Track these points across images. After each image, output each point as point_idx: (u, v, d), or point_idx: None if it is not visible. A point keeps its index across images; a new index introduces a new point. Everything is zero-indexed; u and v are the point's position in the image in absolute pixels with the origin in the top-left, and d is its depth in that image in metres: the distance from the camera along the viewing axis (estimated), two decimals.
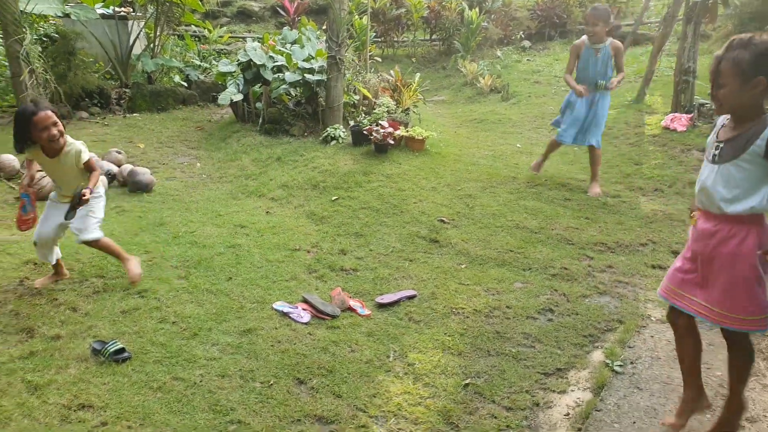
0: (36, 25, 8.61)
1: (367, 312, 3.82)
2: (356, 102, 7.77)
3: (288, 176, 6.28)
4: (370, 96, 7.72)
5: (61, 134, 3.61)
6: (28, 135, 3.55)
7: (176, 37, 12.08)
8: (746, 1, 9.51)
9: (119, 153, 6.73)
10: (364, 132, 6.68)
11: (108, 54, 9.40)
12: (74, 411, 2.76)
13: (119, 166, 6.30)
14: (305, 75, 7.44)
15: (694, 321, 2.59)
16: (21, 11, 6.53)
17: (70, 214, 3.71)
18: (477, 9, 13.18)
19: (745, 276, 2.33)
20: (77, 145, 3.72)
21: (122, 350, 3.17)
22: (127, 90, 9.49)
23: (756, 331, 2.40)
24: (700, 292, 2.49)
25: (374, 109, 7.38)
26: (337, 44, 6.95)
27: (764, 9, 9.20)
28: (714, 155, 2.39)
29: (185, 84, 10.26)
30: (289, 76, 7.55)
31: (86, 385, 2.95)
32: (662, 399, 2.91)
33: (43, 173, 4.24)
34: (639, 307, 3.86)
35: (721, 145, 2.37)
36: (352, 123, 7.22)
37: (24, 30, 6.41)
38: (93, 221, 3.84)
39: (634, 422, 2.75)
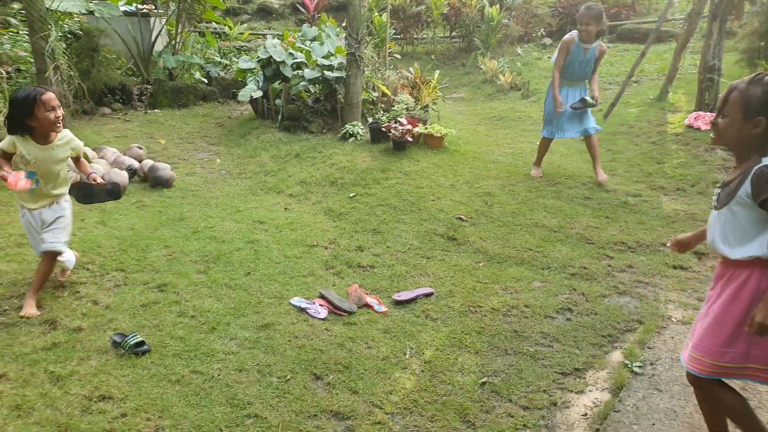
0: (61, 22, 8.71)
1: (383, 309, 3.82)
2: (375, 99, 7.76)
3: (306, 173, 6.31)
4: (389, 93, 7.72)
5: (63, 118, 3.56)
6: (31, 116, 3.38)
7: (197, 34, 12.17)
8: None
9: (140, 148, 6.81)
10: (383, 129, 6.68)
11: (130, 50, 9.52)
12: (95, 402, 2.80)
13: (140, 162, 6.37)
14: (324, 72, 7.45)
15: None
16: (47, 8, 6.63)
17: (81, 195, 3.67)
18: (497, 6, 13.10)
19: (734, 317, 2.20)
20: (70, 133, 3.66)
21: (142, 343, 3.21)
22: (148, 86, 9.59)
23: (690, 370, 2.30)
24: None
25: (393, 106, 7.37)
26: (357, 41, 6.96)
27: None
28: (714, 200, 2.30)
29: (206, 80, 10.34)
30: (308, 73, 7.57)
31: (107, 376, 2.99)
32: (682, 401, 2.87)
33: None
34: (659, 307, 3.81)
35: (719, 190, 2.28)
36: (370, 120, 7.22)
37: (49, 27, 6.52)
38: (64, 235, 3.68)
39: (654, 424, 2.72)
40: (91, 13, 8.90)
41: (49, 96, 3.42)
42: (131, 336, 3.22)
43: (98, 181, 3.67)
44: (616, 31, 13.81)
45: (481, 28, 13.22)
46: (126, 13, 9.62)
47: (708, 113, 7.30)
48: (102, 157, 6.29)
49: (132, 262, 4.23)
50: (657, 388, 2.99)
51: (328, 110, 7.74)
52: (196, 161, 7.18)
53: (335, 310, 3.75)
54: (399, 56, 12.09)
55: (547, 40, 13.79)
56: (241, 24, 14.10)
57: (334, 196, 5.75)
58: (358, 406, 2.87)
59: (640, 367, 3.16)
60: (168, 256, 4.39)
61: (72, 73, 7.01)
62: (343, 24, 9.26)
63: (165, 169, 6.12)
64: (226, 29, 12.85)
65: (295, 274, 4.25)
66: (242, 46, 12.73)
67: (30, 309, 3.50)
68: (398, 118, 6.75)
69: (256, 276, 4.17)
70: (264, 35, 13.79)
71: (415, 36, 14.43)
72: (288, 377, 3.07)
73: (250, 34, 13.64)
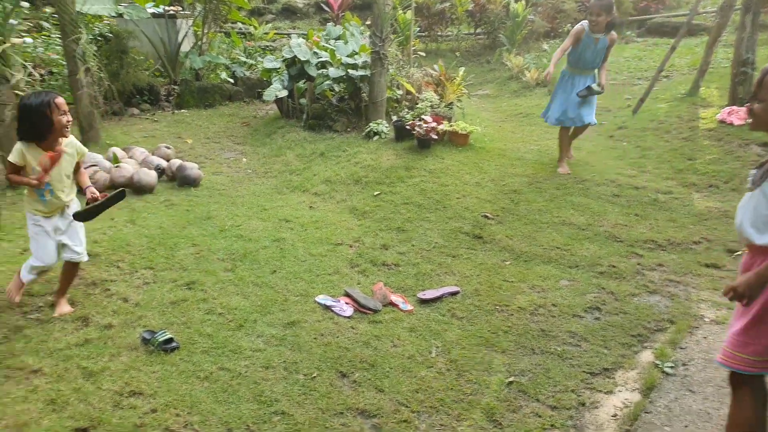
0: (91, 25, 8.88)
1: (409, 307, 3.81)
2: (399, 97, 7.75)
3: (331, 171, 6.33)
4: (414, 91, 7.69)
5: (70, 123, 3.42)
6: (46, 120, 3.26)
7: (223, 34, 12.29)
8: None
9: (168, 148, 6.90)
10: (407, 127, 6.66)
11: (158, 52, 9.65)
12: (126, 397, 2.85)
13: (168, 161, 6.45)
14: (349, 70, 7.46)
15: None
16: (78, 12, 6.76)
17: (83, 214, 3.49)
18: (523, 1, 12.96)
19: (756, 309, 2.12)
20: (74, 138, 3.52)
21: (171, 340, 3.25)
22: (175, 87, 9.72)
23: (728, 367, 2.22)
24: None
25: (417, 104, 7.34)
26: (381, 39, 6.95)
27: None
28: (750, 180, 2.22)
29: (231, 80, 10.43)
30: (332, 71, 7.59)
31: (137, 372, 3.04)
32: (716, 403, 2.81)
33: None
34: (691, 307, 3.73)
35: (755, 170, 2.21)
36: (394, 118, 7.21)
37: (80, 30, 6.64)
38: (82, 242, 3.64)
39: (686, 426, 2.67)
40: (121, 15, 9.06)
41: (61, 100, 3.34)
42: (160, 333, 3.27)
43: (97, 196, 3.46)
44: (646, 25, 13.57)
45: (506, 24, 13.10)
46: (154, 15, 9.77)
47: (742, 108, 7.12)
48: (131, 157, 6.40)
49: (161, 260, 4.29)
50: (689, 389, 2.93)
51: (353, 109, 7.76)
52: (223, 160, 7.25)
53: (360, 308, 3.76)
54: (423, 54, 12.03)
55: None
56: (266, 24, 14.20)
57: (359, 195, 5.75)
58: (384, 404, 2.87)
59: (671, 367, 3.10)
60: (196, 254, 4.44)
61: (102, 74, 7.13)
62: (368, 22, 9.26)
63: (192, 168, 6.19)
64: (252, 29, 12.95)
65: (321, 272, 4.26)
66: (267, 46, 12.81)
67: (63, 308, 3.59)
68: (423, 116, 6.72)
69: (282, 274, 4.19)
70: (289, 35, 13.86)
71: (439, 33, 14.37)
72: (314, 375, 3.08)
73: (275, 33, 13.72)
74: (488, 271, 4.29)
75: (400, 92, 7.77)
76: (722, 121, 7.11)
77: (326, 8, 14.59)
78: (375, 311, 3.73)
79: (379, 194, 5.68)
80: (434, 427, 2.75)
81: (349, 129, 7.56)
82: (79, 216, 3.50)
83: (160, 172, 6.26)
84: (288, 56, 8.19)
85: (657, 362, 3.16)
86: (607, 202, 5.37)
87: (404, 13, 10.98)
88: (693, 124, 7.34)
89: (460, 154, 6.48)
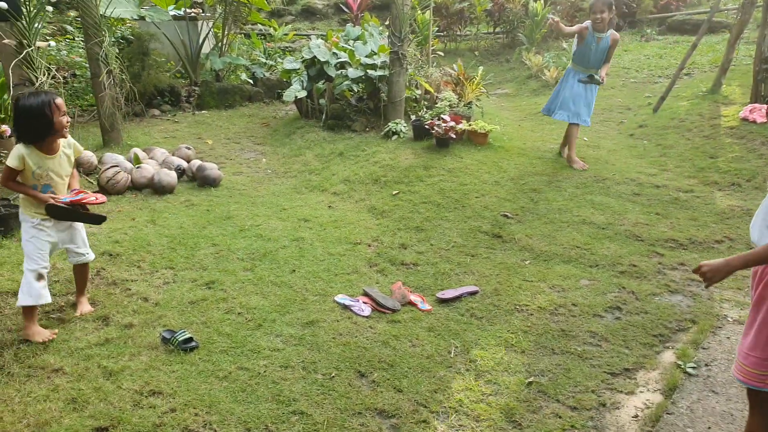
0: (114, 28, 9.02)
1: (428, 307, 3.80)
2: (418, 96, 7.74)
3: (350, 171, 6.34)
4: (432, 90, 7.68)
5: (69, 124, 3.39)
6: (47, 121, 3.17)
7: (243, 35, 12.40)
8: None
9: (189, 149, 6.97)
10: (426, 126, 6.65)
11: (179, 53, 9.76)
12: (145, 397, 2.88)
13: (188, 162, 6.52)
14: (368, 71, 7.47)
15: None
16: (101, 15, 6.86)
17: (56, 210, 3.34)
18: (542, 0, 12.87)
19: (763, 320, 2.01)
20: (70, 138, 3.44)
21: (190, 339, 3.28)
22: (196, 88, 9.82)
23: (745, 383, 2.09)
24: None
25: (436, 103, 7.33)
26: (400, 39, 6.95)
27: None
28: None
29: (251, 81, 10.51)
30: (351, 72, 7.61)
31: (156, 372, 3.07)
32: (740, 404, 2.76)
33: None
34: (714, 306, 3.67)
35: None
36: (413, 117, 7.20)
37: (103, 33, 6.74)
38: (85, 241, 3.61)
39: (709, 428, 2.62)
40: (142, 18, 9.18)
41: (60, 100, 3.27)
42: (180, 332, 3.30)
43: (60, 201, 3.33)
44: (666, 23, 13.39)
45: (526, 23, 13.02)
46: (175, 18, 9.88)
47: (765, 105, 6.98)
48: (152, 158, 6.48)
49: (181, 260, 4.34)
50: (712, 390, 2.88)
51: (371, 109, 7.76)
52: (243, 161, 7.31)
53: (379, 307, 3.75)
54: (442, 53, 12.01)
55: None
56: (285, 25, 14.29)
57: (378, 194, 5.76)
58: (402, 405, 2.86)
59: (694, 368, 3.06)
60: (215, 254, 4.48)
61: (124, 76, 7.23)
62: (386, 23, 9.26)
63: (212, 168, 6.25)
64: (271, 30, 13.04)
65: (339, 271, 4.27)
66: (287, 47, 12.89)
67: (84, 307, 3.64)
68: (441, 115, 6.71)
69: (300, 273, 4.21)
70: (308, 36, 13.93)
71: (458, 33, 14.33)
72: (333, 374, 3.09)
73: (294, 34, 13.80)
74: (508, 270, 4.26)
75: (419, 92, 7.76)
76: (744, 119, 6.99)
77: (345, 9, 14.63)
78: (394, 311, 3.73)
79: (397, 193, 5.68)
80: (453, 428, 2.74)
81: (367, 129, 7.57)
82: (51, 210, 3.33)
83: (181, 172, 6.32)
84: (307, 57, 8.23)
85: (679, 362, 3.12)
86: (627, 201, 5.31)
87: (423, 13, 10.96)
88: (715, 122, 7.22)
89: (479, 153, 6.45)
